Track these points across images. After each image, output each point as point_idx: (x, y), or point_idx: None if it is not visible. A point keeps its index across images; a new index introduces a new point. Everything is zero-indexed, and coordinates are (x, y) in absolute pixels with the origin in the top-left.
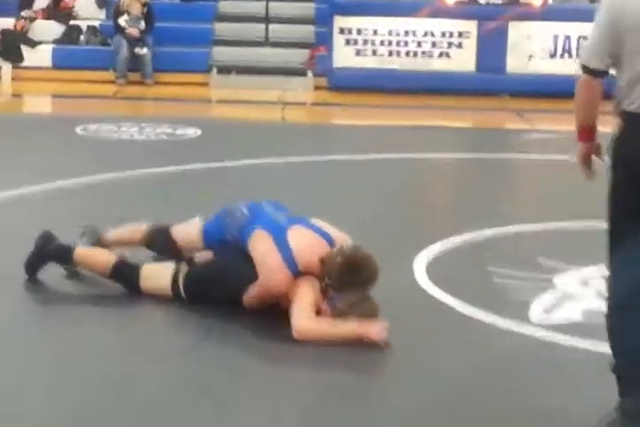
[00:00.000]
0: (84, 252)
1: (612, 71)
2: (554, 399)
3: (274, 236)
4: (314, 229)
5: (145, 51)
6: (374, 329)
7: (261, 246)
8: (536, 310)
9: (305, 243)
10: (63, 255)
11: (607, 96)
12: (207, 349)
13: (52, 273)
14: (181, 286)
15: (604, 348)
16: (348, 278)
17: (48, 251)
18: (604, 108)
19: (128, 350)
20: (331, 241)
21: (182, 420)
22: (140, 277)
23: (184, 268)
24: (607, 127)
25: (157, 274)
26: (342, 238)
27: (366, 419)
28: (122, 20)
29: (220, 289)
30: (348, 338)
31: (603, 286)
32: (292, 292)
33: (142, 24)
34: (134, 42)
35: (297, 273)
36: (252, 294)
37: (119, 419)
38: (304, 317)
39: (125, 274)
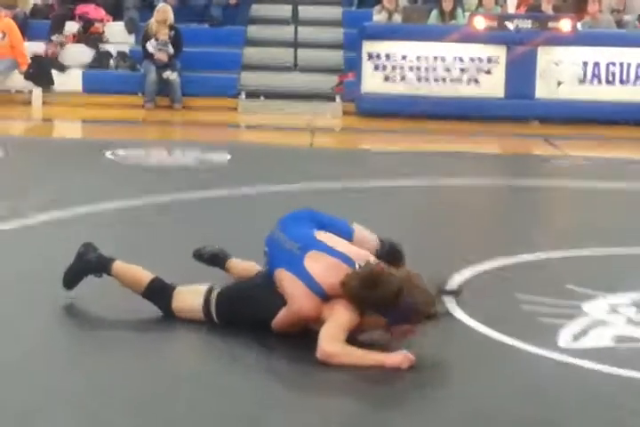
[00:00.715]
0: (123, 265)
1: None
2: (586, 424)
3: (293, 271)
4: (329, 252)
5: (174, 75)
6: (398, 358)
7: (286, 283)
8: (565, 336)
9: (322, 267)
10: (102, 266)
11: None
12: (234, 374)
13: (84, 292)
14: (213, 305)
15: (633, 373)
16: (367, 296)
17: (88, 259)
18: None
19: (156, 373)
20: (350, 262)
21: None
22: (174, 297)
23: (218, 287)
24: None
25: (191, 293)
26: (362, 256)
27: None
28: (150, 46)
29: (249, 309)
30: (372, 364)
31: (632, 313)
32: (326, 314)
33: (170, 48)
34: (163, 66)
35: (325, 297)
36: (281, 319)
37: None
38: (331, 340)
39: (159, 292)
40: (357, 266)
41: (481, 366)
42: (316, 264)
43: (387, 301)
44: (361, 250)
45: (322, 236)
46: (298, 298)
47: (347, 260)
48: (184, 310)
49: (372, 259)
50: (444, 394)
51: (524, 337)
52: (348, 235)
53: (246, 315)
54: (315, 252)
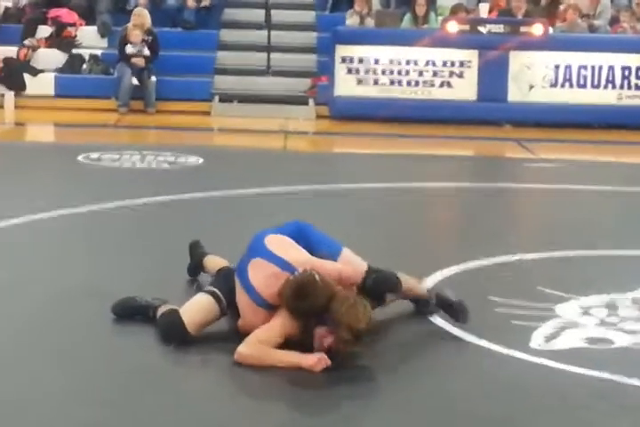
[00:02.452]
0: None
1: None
2: (555, 425)
3: (240, 279)
4: (271, 259)
5: (152, 79)
6: (314, 360)
7: (237, 294)
8: (537, 338)
9: (263, 277)
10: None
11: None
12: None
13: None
14: (217, 291)
15: (605, 374)
16: (298, 306)
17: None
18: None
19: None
20: (290, 268)
21: None
22: (182, 312)
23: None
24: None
25: (193, 300)
26: (299, 263)
27: None
28: (129, 48)
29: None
30: (288, 366)
31: (604, 315)
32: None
33: (147, 51)
34: (139, 70)
35: (269, 307)
36: (240, 325)
37: None
38: (248, 343)
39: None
40: (294, 274)
41: (453, 367)
42: (257, 274)
43: (316, 309)
44: (302, 255)
45: (272, 240)
46: (246, 314)
47: (287, 267)
48: (195, 311)
49: (311, 264)
50: (415, 394)
51: (496, 339)
52: (332, 256)
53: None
54: (258, 259)
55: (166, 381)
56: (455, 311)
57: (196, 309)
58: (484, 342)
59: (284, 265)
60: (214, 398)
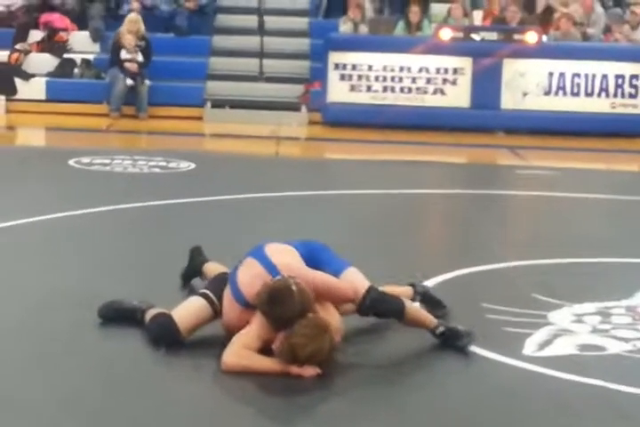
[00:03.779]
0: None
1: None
2: None
3: (230, 276)
4: (262, 260)
5: (145, 84)
6: (298, 369)
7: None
8: (530, 345)
9: (249, 276)
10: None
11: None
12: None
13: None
14: (210, 294)
15: (598, 381)
16: (268, 311)
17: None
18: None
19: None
20: (275, 273)
21: None
22: (174, 312)
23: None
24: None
25: (185, 303)
26: (286, 268)
27: None
28: (123, 54)
29: None
30: (275, 373)
31: (597, 322)
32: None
33: (140, 57)
34: (132, 76)
35: (247, 305)
36: (222, 321)
37: None
38: (231, 351)
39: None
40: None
41: (445, 374)
42: (245, 272)
43: (286, 318)
44: (293, 262)
45: (272, 246)
46: (225, 309)
47: (272, 270)
48: (187, 312)
49: (298, 273)
50: (407, 401)
51: (489, 346)
52: (335, 273)
53: None
54: (251, 259)
55: (156, 387)
56: (464, 342)
57: (188, 310)
58: (476, 349)
59: (271, 268)
60: (205, 406)
